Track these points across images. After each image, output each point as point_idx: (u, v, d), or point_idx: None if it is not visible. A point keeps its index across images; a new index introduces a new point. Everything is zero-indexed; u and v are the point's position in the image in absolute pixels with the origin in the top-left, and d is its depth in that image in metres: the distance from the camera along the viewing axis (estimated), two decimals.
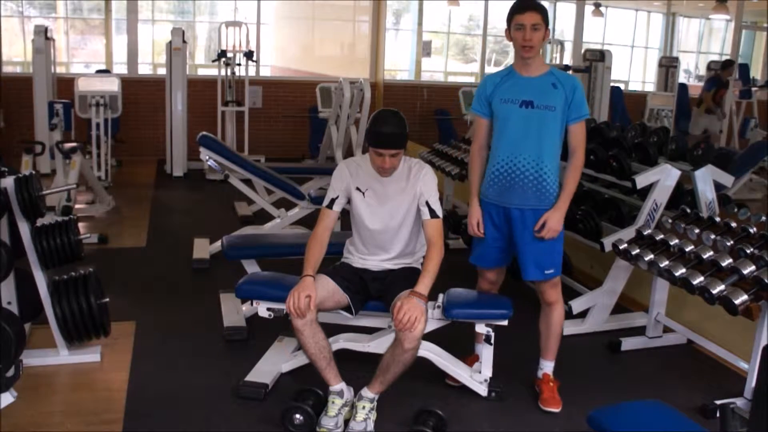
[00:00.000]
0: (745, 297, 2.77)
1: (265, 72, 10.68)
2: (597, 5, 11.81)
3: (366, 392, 2.79)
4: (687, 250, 3.15)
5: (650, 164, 3.82)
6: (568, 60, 10.48)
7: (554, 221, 2.90)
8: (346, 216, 3.11)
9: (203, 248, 4.93)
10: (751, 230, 3.08)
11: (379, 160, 2.81)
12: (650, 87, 12.62)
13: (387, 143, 2.77)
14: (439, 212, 2.89)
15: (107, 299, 3.28)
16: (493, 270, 3.15)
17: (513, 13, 2.85)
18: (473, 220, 3.06)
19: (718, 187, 3.66)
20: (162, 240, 5.45)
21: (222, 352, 3.49)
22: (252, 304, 3.14)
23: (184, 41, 7.82)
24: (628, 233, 3.53)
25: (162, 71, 8.54)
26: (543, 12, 2.82)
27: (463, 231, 4.91)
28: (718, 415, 2.92)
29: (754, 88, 10.01)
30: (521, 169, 2.90)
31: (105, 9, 10.24)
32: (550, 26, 2.95)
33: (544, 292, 3.06)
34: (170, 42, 7.75)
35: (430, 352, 3.11)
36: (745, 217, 3.25)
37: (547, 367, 3.12)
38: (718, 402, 3.00)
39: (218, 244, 4.52)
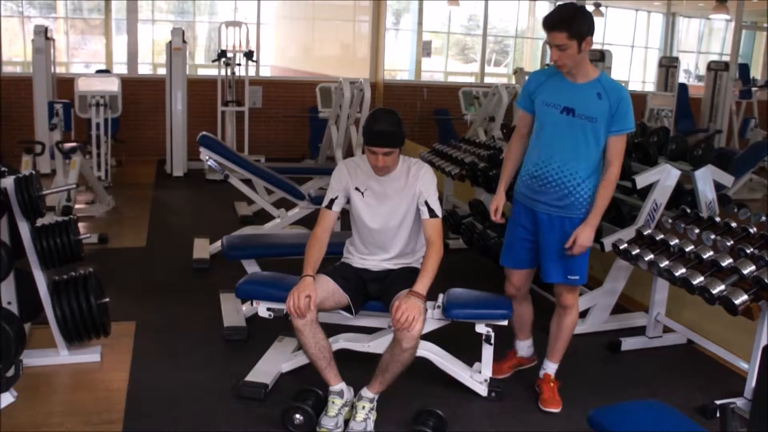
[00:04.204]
0: (745, 297, 2.77)
1: (265, 72, 10.69)
2: (597, 5, 11.81)
3: (366, 392, 2.79)
4: (687, 250, 3.15)
5: (650, 164, 3.81)
6: None
7: (584, 238, 2.83)
8: (346, 216, 3.11)
9: (203, 248, 4.93)
10: (751, 230, 3.08)
11: (373, 158, 2.81)
12: (650, 87, 12.62)
13: (380, 141, 2.77)
14: (439, 212, 2.88)
15: (107, 299, 3.28)
16: (521, 272, 3.10)
17: (543, 27, 2.76)
18: (493, 205, 3.05)
19: (718, 187, 3.66)
20: (162, 240, 5.45)
21: (222, 352, 3.49)
22: (252, 304, 3.14)
23: (184, 41, 7.82)
24: (628, 233, 3.53)
25: (162, 71, 8.54)
26: (569, 27, 2.66)
27: (463, 231, 4.91)
28: (718, 415, 2.92)
29: (754, 88, 10.01)
30: (553, 175, 2.86)
31: (105, 9, 10.25)
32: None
33: (561, 294, 3.04)
34: (170, 42, 7.76)
35: (430, 352, 3.11)
36: (745, 217, 3.25)
37: (550, 368, 3.11)
38: (718, 402, 3.00)
39: (218, 244, 4.52)
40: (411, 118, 9.38)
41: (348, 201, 2.97)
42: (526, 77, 3.12)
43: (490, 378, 3.09)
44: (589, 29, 2.73)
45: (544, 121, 2.87)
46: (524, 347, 3.29)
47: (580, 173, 2.84)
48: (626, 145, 3.96)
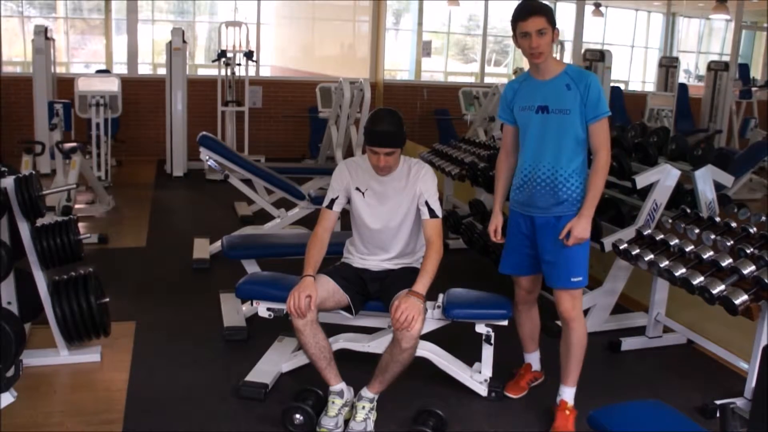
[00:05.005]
0: (745, 297, 2.77)
1: (265, 72, 10.70)
2: (597, 5, 11.81)
3: (366, 392, 2.79)
4: (687, 250, 3.15)
5: (650, 164, 3.81)
6: (568, 60, 10.51)
7: (579, 229, 2.74)
8: (346, 216, 3.11)
9: (203, 248, 4.93)
10: (751, 230, 3.08)
11: (375, 158, 2.81)
12: (650, 87, 12.62)
13: (382, 142, 2.77)
14: (439, 212, 2.88)
15: (107, 299, 3.28)
16: (527, 277, 3.02)
17: (516, 20, 2.70)
18: (491, 227, 3.01)
19: (718, 187, 3.66)
20: (162, 240, 5.45)
21: (222, 352, 3.49)
22: (252, 304, 3.14)
23: (184, 41, 7.83)
24: (628, 233, 3.53)
25: (162, 71, 8.55)
26: (547, 13, 2.68)
27: (463, 231, 4.91)
28: (718, 415, 2.92)
29: (754, 88, 10.02)
30: (542, 177, 2.79)
31: (105, 9, 10.25)
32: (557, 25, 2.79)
33: (561, 304, 2.85)
34: (170, 42, 7.76)
35: (430, 352, 3.11)
36: (745, 217, 3.25)
37: (566, 393, 2.90)
38: (718, 402, 3.00)
39: (218, 244, 4.52)
40: (411, 118, 9.38)
41: (348, 201, 2.97)
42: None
43: (490, 378, 3.10)
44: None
45: (525, 125, 2.84)
46: (536, 359, 3.19)
47: (566, 168, 2.77)
48: (625, 145, 4.01)
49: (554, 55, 2.82)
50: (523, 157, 2.88)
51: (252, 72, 8.79)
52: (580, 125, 2.75)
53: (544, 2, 2.75)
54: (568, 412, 2.87)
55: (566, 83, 2.74)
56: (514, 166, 3.00)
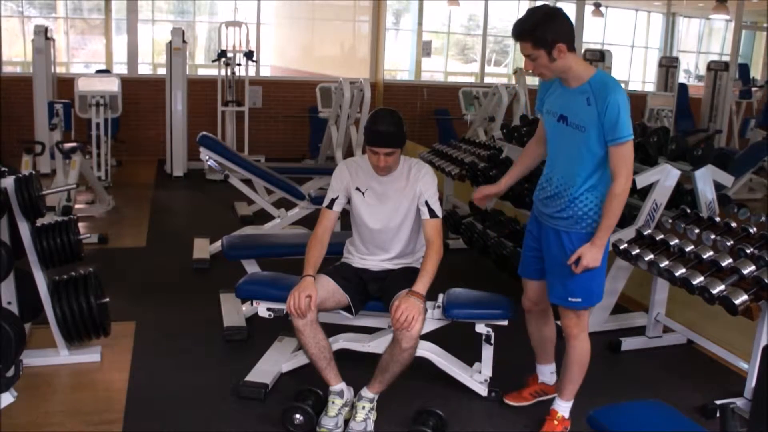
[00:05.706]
0: (745, 297, 2.77)
1: (265, 72, 10.70)
2: (597, 5, 11.81)
3: (366, 392, 2.79)
4: (687, 250, 3.15)
5: (650, 164, 3.81)
6: None
7: (589, 258, 2.56)
8: (346, 216, 3.11)
9: (203, 248, 4.93)
10: (751, 230, 3.08)
11: (375, 158, 2.81)
12: (650, 87, 12.62)
13: (382, 142, 2.77)
14: (439, 212, 2.88)
15: (107, 299, 3.28)
16: (534, 283, 2.89)
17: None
18: (484, 190, 3.00)
19: (718, 187, 3.66)
20: (162, 240, 5.45)
21: (222, 352, 3.49)
22: (252, 304, 3.14)
23: (184, 41, 7.83)
24: (628, 233, 3.53)
25: (162, 71, 8.55)
26: (532, 36, 2.45)
27: (463, 231, 4.91)
28: (718, 415, 2.92)
29: (754, 88, 10.03)
30: (554, 189, 2.67)
31: (105, 9, 10.26)
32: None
33: (563, 320, 2.77)
34: (170, 42, 7.76)
35: (430, 352, 3.11)
36: (745, 217, 3.25)
37: (560, 405, 2.82)
38: (718, 402, 3.00)
39: (218, 244, 4.52)
40: (411, 118, 9.38)
41: (349, 201, 2.97)
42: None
43: (490, 378, 3.09)
44: (558, 35, 2.45)
45: (548, 130, 2.73)
46: (546, 372, 3.07)
47: (576, 186, 2.60)
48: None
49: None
50: (546, 161, 2.79)
51: (252, 72, 8.79)
52: (597, 144, 2.53)
53: (540, 16, 2.49)
54: (556, 422, 2.81)
55: (587, 97, 2.51)
56: (540, 156, 2.89)
